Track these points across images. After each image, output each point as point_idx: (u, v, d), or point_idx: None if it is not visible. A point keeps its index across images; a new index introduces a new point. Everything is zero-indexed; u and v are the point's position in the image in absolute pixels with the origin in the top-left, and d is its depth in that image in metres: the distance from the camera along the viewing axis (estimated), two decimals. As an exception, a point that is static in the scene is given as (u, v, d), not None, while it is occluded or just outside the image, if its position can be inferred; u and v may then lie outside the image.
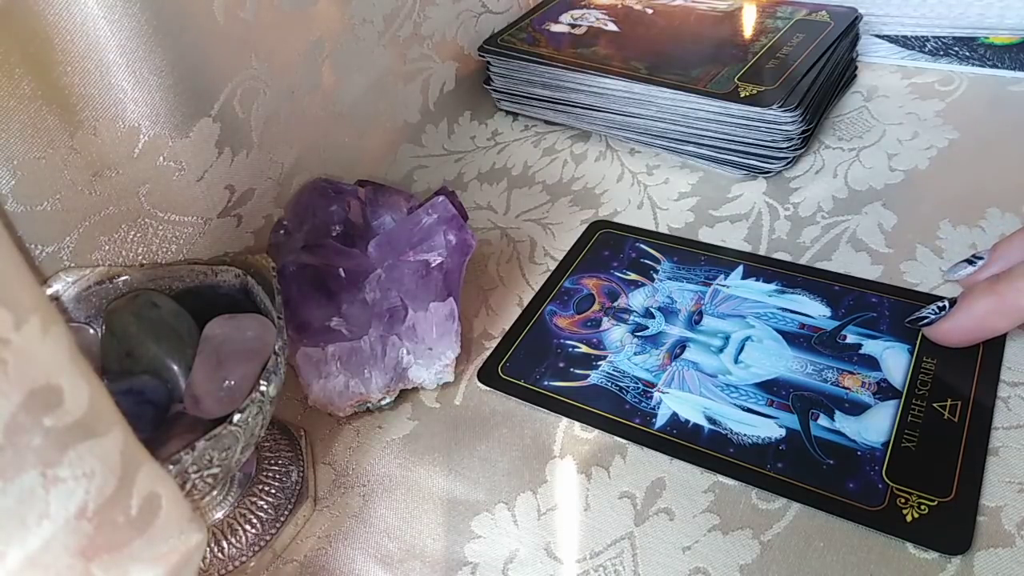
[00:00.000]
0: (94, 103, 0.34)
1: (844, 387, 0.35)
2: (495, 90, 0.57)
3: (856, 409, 0.34)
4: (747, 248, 0.44)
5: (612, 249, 0.45)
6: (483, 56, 0.57)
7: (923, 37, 0.55)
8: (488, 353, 0.40)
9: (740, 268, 0.42)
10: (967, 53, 0.54)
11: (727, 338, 0.39)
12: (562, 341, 0.40)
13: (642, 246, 0.45)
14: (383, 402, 0.38)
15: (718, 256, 0.43)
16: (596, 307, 0.41)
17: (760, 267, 0.42)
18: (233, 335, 0.31)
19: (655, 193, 0.49)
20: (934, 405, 0.34)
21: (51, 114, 0.32)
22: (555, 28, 0.57)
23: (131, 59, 0.34)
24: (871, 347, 0.37)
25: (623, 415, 0.36)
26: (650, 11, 0.58)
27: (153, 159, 0.36)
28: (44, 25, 0.31)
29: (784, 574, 0.30)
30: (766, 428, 0.34)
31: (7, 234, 0.18)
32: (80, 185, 0.34)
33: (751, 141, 0.47)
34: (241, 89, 0.40)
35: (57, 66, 0.32)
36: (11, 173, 0.32)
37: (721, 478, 0.33)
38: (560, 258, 0.45)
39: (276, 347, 0.30)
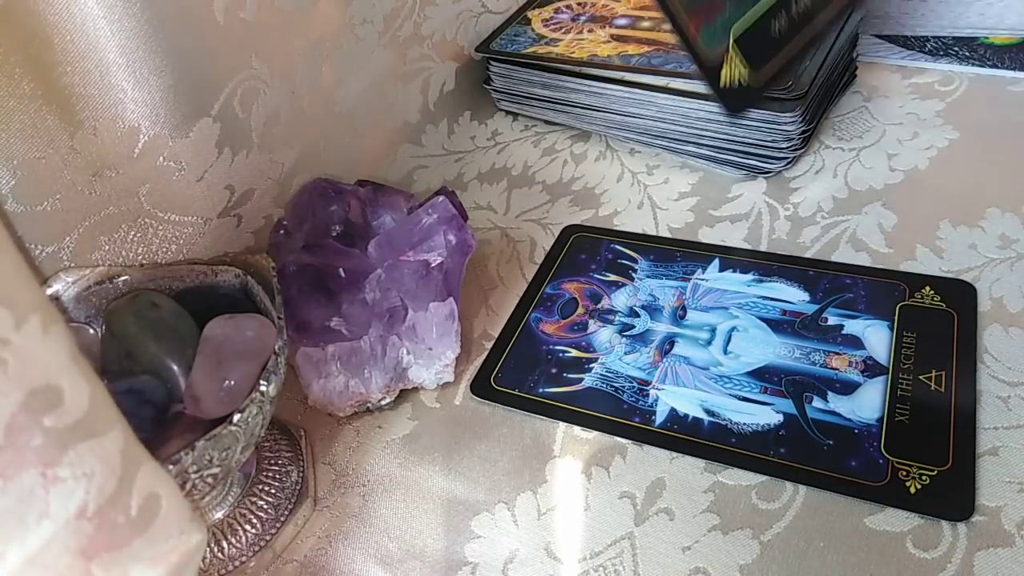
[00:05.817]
0: (94, 103, 0.34)
1: (833, 368, 0.36)
2: (495, 90, 0.57)
3: (847, 388, 0.35)
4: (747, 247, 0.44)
5: (587, 253, 0.45)
6: (482, 56, 0.56)
7: (923, 37, 0.55)
8: (483, 358, 0.40)
9: (716, 261, 0.42)
10: (967, 53, 0.54)
11: (713, 330, 0.39)
12: (551, 347, 0.40)
13: (617, 247, 0.45)
14: (383, 402, 0.38)
15: (692, 251, 0.43)
16: (580, 311, 0.41)
17: (734, 258, 0.42)
18: (233, 335, 0.31)
19: (655, 193, 0.49)
20: (920, 377, 0.35)
21: (51, 114, 0.32)
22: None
23: (131, 59, 0.34)
24: (852, 327, 0.37)
25: (622, 415, 0.36)
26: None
27: (153, 159, 0.36)
28: (44, 25, 0.31)
29: (784, 574, 0.30)
30: (764, 415, 0.35)
31: (7, 234, 0.18)
32: (80, 185, 0.34)
33: (751, 141, 0.47)
34: (241, 89, 0.40)
35: (57, 66, 0.32)
36: (11, 173, 0.32)
37: (721, 478, 0.33)
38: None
39: (276, 347, 0.30)
